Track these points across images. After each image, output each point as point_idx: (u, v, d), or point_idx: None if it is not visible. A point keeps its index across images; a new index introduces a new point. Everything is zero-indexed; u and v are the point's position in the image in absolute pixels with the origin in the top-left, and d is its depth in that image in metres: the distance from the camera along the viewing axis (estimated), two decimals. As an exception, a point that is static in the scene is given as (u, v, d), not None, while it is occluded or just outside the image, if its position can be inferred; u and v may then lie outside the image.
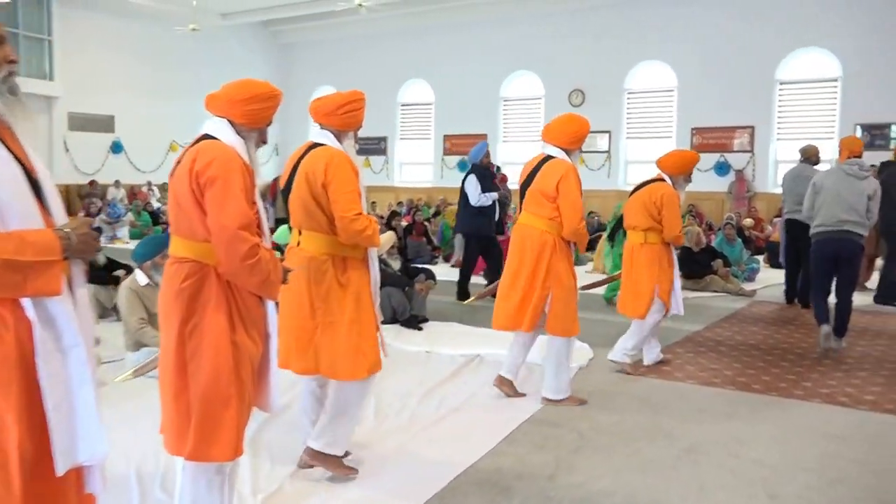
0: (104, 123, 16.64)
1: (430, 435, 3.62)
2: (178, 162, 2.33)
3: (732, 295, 8.04)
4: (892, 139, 12.92)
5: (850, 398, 4.42)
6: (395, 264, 6.19)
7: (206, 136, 2.35)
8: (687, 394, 4.47)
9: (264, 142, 2.50)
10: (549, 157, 4.12)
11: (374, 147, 18.98)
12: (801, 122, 14.10)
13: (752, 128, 14.34)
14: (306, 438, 3.15)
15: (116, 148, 16.74)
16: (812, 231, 5.64)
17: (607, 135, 15.92)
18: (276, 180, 13.19)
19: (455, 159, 17.87)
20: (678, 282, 4.97)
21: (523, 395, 4.31)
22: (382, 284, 5.94)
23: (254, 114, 2.40)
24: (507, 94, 17.28)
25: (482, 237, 7.50)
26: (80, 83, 16.04)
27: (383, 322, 5.76)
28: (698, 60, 14.55)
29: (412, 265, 6.55)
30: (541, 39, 16.31)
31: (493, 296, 6.38)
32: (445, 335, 5.83)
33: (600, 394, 4.40)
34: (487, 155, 7.53)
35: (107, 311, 5.84)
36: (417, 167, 18.75)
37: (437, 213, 12.85)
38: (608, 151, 15.98)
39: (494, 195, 7.39)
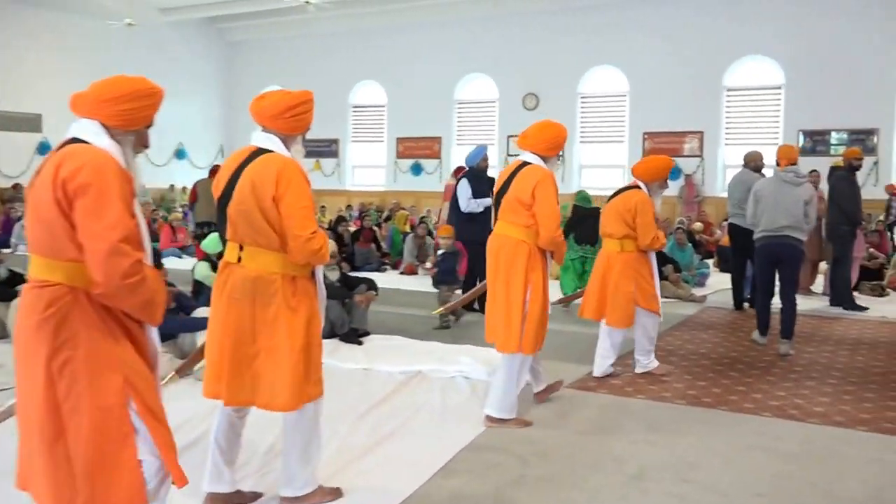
0: (31, 123, 15.82)
1: (360, 466, 3.33)
2: (38, 172, 2.03)
3: (683, 301, 7.95)
4: (833, 146, 13.15)
5: (799, 410, 4.30)
6: (333, 275, 5.88)
7: (74, 140, 2.06)
8: (637, 411, 4.28)
9: (144, 146, 2.24)
10: (525, 164, 3.99)
11: (326, 149, 18.58)
12: (748, 127, 14.27)
13: (702, 133, 14.45)
14: (211, 480, 2.83)
15: (44, 149, 15.89)
16: (756, 237, 5.91)
17: (560, 139, 15.87)
18: (196, 184, 12.34)
19: (408, 162, 17.61)
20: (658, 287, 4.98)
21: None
22: (321, 296, 5.69)
23: (127, 114, 2.12)
24: (462, 96, 17.09)
25: (474, 244, 6.85)
26: (3, 80, 15.24)
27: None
28: (650, 66, 14.60)
29: (354, 275, 6.24)
30: (495, 42, 16.17)
31: (469, 307, 6.30)
32: (387, 350, 5.55)
33: (547, 413, 4.19)
34: (485, 159, 7.11)
35: (6, 331, 5.38)
36: (370, 170, 18.41)
37: (388, 218, 12.56)
38: (562, 156, 15.88)
39: (487, 201, 6.81)
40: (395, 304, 7.39)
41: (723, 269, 10.07)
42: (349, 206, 16.19)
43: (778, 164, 5.92)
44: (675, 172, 14.54)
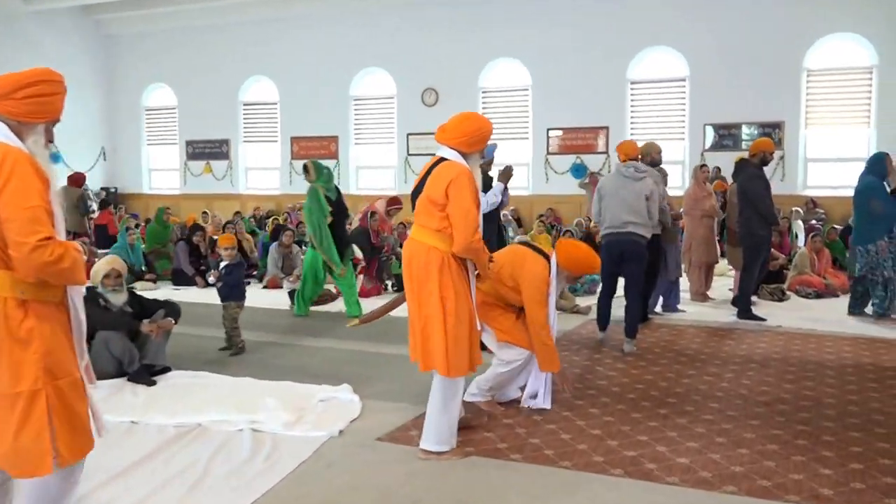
0: None
1: None
2: None
3: (567, 313, 7.09)
4: (745, 140, 12.72)
5: (657, 465, 3.41)
6: (118, 298, 4.73)
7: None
8: (491, 477, 3.30)
9: (50, 140, 2.31)
10: (442, 160, 3.51)
11: (216, 151, 17.20)
12: (653, 122, 13.72)
13: (607, 128, 13.81)
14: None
15: None
16: (601, 234, 5.89)
17: (462, 136, 15.02)
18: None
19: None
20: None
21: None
22: (94, 331, 4.54)
23: (33, 103, 2.28)
24: (358, 92, 16.01)
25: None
26: None
27: (103, 378, 4.35)
28: (552, 58, 13.90)
29: (152, 299, 5.09)
30: (392, 35, 15.19)
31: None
32: (180, 392, 4.45)
33: (387, 480, 3.19)
34: (489, 162, 5.82)
35: None
36: (264, 173, 17.13)
37: (278, 227, 11.04)
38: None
39: (491, 197, 5.60)
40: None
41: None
42: (237, 213, 14.89)
43: (619, 160, 5.86)
44: (582, 170, 13.90)
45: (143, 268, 8.96)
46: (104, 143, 18.11)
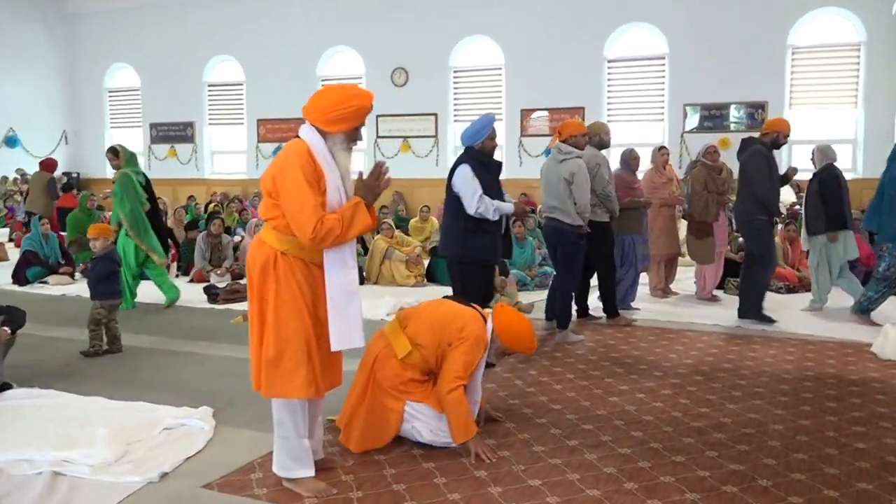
0: None
1: None
2: None
3: (509, 313, 6.39)
4: (734, 122, 11.95)
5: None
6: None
7: None
8: None
9: None
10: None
11: (180, 133, 16.46)
12: (631, 102, 12.93)
13: (583, 109, 13.01)
14: None
15: None
16: None
17: (433, 118, 14.25)
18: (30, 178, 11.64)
19: (271, 147, 15.68)
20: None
21: None
22: None
23: None
24: (325, 73, 15.20)
25: (479, 264, 4.70)
26: None
27: None
28: (526, 36, 13.10)
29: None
30: (359, 13, 14.40)
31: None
32: (13, 416, 3.77)
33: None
34: (493, 136, 4.64)
35: None
36: (230, 156, 16.40)
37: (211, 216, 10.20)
38: (435, 136, 14.32)
39: (506, 206, 4.62)
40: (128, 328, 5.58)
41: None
42: (214, 194, 14.19)
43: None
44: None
45: (60, 260, 8.25)
46: (65, 126, 17.39)
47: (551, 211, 5.30)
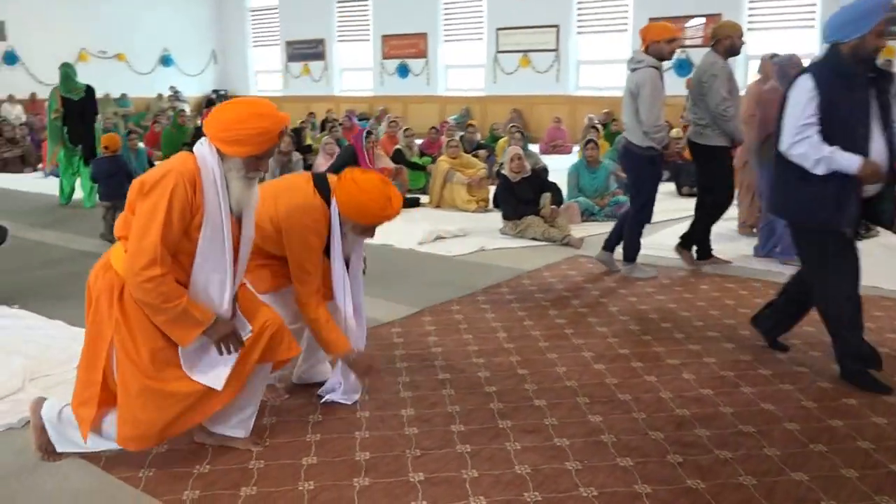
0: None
1: None
2: None
3: (556, 244, 5.82)
4: None
5: None
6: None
7: None
8: None
9: None
10: None
11: (312, 51, 16.82)
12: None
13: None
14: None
15: (9, 58, 15.10)
16: None
17: (554, 30, 13.36)
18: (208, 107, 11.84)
19: (394, 63, 15.58)
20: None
21: None
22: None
23: None
24: (445, -14, 14.74)
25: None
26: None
27: None
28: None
29: None
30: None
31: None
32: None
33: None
34: (881, 29, 2.79)
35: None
36: (358, 73, 16.54)
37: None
38: (556, 50, 13.44)
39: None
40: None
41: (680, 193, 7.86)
42: (311, 112, 14.50)
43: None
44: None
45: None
46: (214, 44, 18.38)
47: (626, 131, 4.74)
